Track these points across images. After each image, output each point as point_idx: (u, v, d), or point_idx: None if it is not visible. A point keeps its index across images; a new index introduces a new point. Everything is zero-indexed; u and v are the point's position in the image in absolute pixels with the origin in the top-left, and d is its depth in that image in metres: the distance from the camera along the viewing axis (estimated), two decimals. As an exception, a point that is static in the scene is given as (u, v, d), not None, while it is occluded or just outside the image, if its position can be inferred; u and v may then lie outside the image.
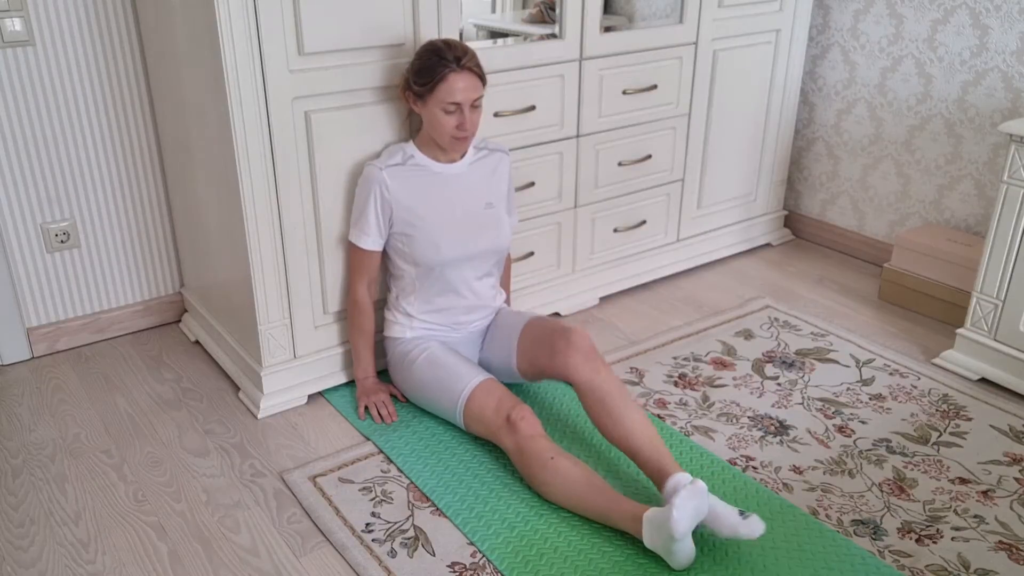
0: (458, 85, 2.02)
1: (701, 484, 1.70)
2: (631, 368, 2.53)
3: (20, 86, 2.36)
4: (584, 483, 1.87)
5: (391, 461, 2.10)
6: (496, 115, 2.44)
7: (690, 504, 1.68)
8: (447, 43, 2.06)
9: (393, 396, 2.34)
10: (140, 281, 2.73)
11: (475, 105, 2.08)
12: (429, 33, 2.21)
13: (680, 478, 1.82)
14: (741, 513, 1.75)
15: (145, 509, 1.96)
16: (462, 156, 2.22)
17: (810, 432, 2.24)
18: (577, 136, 2.67)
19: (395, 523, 1.90)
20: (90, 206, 2.57)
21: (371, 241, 2.18)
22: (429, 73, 2.03)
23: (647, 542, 1.76)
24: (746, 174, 3.22)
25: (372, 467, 2.09)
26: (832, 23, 3.19)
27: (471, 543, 1.84)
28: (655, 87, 2.78)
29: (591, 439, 2.19)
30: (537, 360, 2.14)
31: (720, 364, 2.56)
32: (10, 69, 2.34)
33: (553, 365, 2.07)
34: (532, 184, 2.60)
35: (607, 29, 2.62)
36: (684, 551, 1.73)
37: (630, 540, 1.83)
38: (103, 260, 2.64)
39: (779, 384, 2.46)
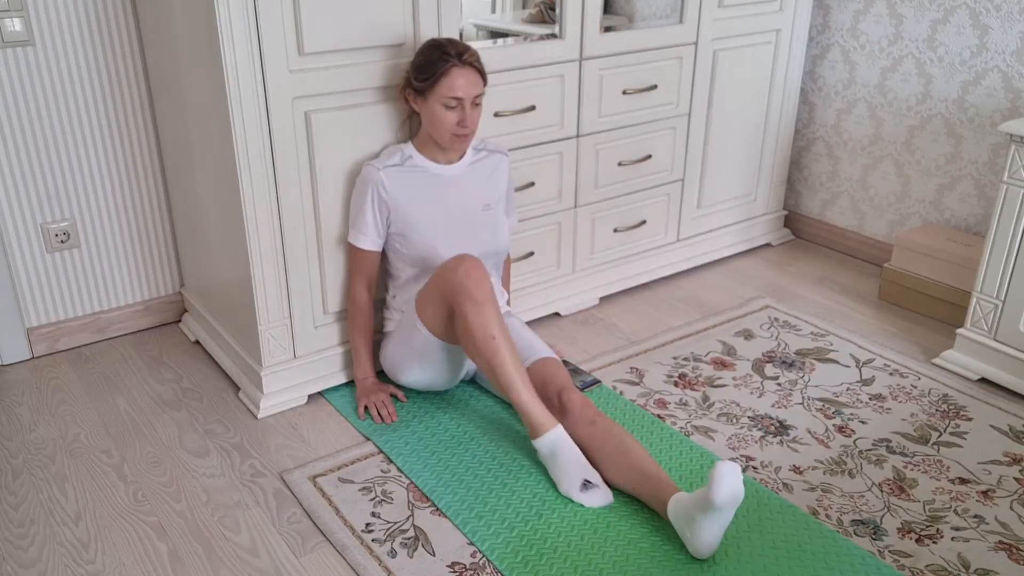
0: (459, 80, 2.03)
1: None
2: (631, 368, 2.53)
3: (20, 86, 2.36)
4: (512, 363, 1.97)
5: (391, 461, 2.10)
6: (496, 115, 2.44)
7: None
8: (449, 40, 2.07)
9: (393, 396, 2.34)
10: (140, 281, 2.73)
11: (476, 102, 2.08)
12: (429, 33, 2.21)
13: (678, 498, 1.81)
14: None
15: (145, 509, 1.96)
16: (461, 157, 2.22)
17: (810, 432, 2.24)
18: (577, 136, 2.67)
19: (395, 523, 1.90)
20: (90, 206, 2.57)
21: (369, 241, 2.18)
22: (431, 68, 2.04)
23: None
24: (746, 174, 3.22)
25: (372, 467, 2.09)
26: (832, 23, 3.19)
27: (471, 543, 1.84)
28: (655, 87, 2.78)
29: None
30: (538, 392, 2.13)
31: (720, 364, 2.56)
32: (10, 69, 2.34)
33: (549, 403, 2.09)
34: (532, 184, 2.60)
35: (607, 29, 2.62)
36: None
37: (630, 540, 1.83)
38: (103, 260, 2.64)
39: (779, 384, 2.46)
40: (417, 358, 2.19)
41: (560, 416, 2.05)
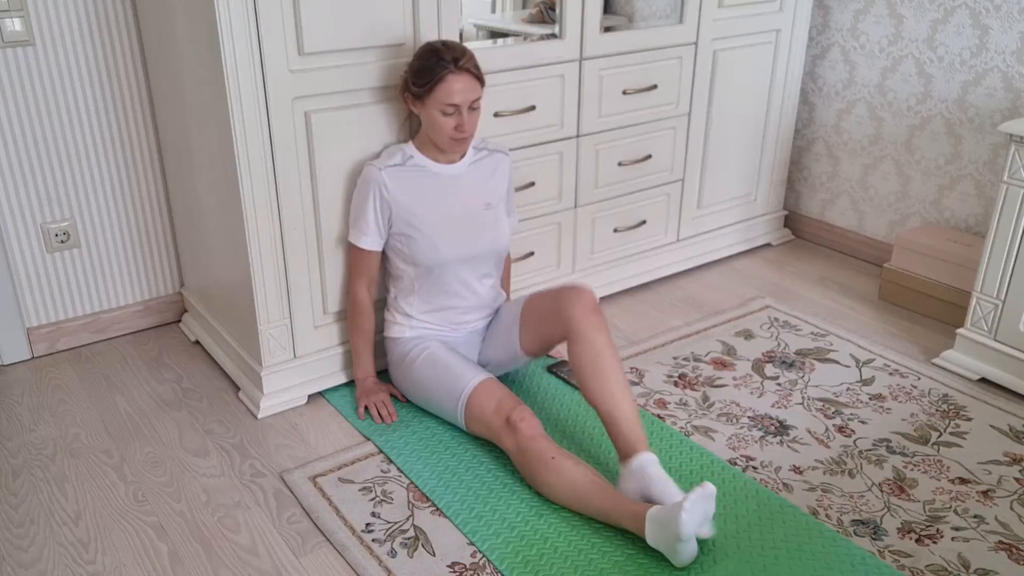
0: (456, 86, 2.02)
1: (711, 487, 1.70)
2: (631, 368, 2.53)
3: (20, 86, 2.36)
4: (586, 482, 1.87)
5: (391, 461, 2.10)
6: (496, 115, 2.44)
7: (700, 506, 1.69)
8: (445, 44, 2.06)
9: (393, 396, 2.34)
10: (140, 281, 2.73)
11: (473, 106, 2.08)
12: (429, 33, 2.21)
13: (646, 458, 1.89)
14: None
15: (145, 509, 1.96)
16: (461, 157, 2.22)
17: (810, 432, 2.24)
18: (577, 136, 2.67)
19: (395, 523, 1.90)
20: (90, 206, 2.57)
21: (370, 241, 2.18)
22: (427, 74, 2.03)
23: (649, 540, 1.76)
24: (746, 174, 3.22)
25: (372, 467, 2.09)
26: (832, 23, 3.19)
27: (471, 543, 1.84)
28: (655, 87, 2.78)
29: (592, 440, 2.19)
30: (542, 321, 2.15)
31: (720, 364, 2.56)
32: (10, 69, 2.34)
33: (558, 316, 2.08)
34: (532, 184, 2.60)
35: (607, 29, 2.62)
36: (688, 550, 1.74)
37: (631, 540, 1.83)
38: (103, 260, 2.64)
39: (779, 384, 2.46)
40: (437, 411, 2.23)
41: (575, 300, 2.06)
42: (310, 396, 2.37)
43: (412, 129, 2.27)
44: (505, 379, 2.44)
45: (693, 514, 1.68)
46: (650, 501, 1.85)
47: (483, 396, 2.06)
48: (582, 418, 2.28)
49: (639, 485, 1.88)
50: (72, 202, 2.54)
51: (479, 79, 2.08)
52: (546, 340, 2.18)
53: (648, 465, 1.89)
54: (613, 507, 1.84)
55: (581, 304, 2.05)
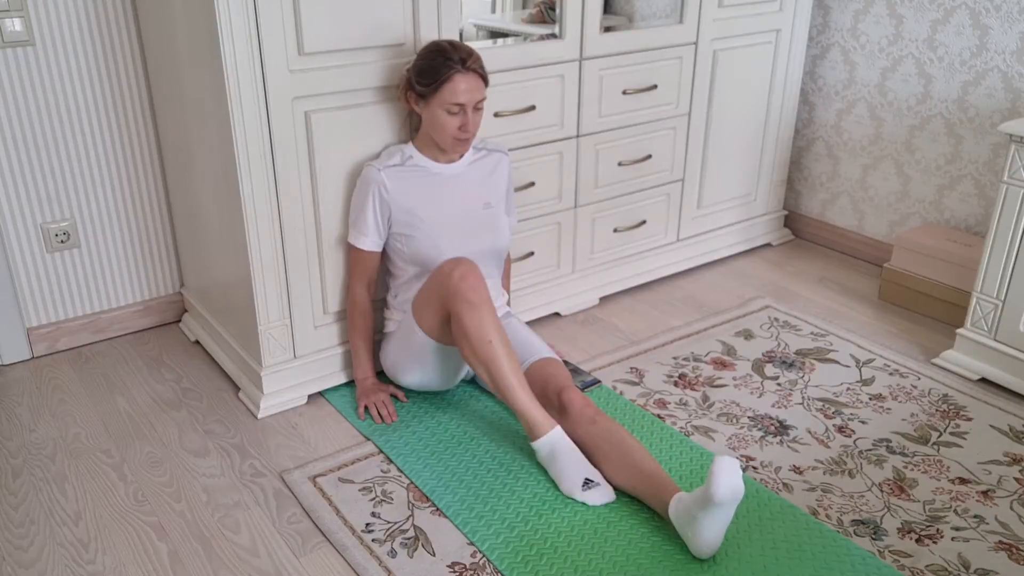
0: (462, 86, 2.02)
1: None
2: (631, 368, 2.53)
3: (20, 86, 2.36)
4: (509, 366, 1.97)
5: (391, 461, 2.10)
6: (496, 115, 2.44)
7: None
8: (452, 44, 2.06)
9: (393, 396, 2.34)
10: (140, 281, 2.73)
11: (478, 107, 2.08)
12: (429, 33, 2.21)
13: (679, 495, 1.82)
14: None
15: (145, 509, 1.96)
16: (461, 156, 2.22)
17: (810, 432, 2.24)
18: (577, 136, 2.67)
19: (395, 523, 1.90)
20: (90, 206, 2.57)
21: (370, 242, 2.18)
22: (433, 73, 2.03)
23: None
24: (746, 174, 3.22)
25: (372, 467, 2.09)
26: (832, 23, 3.19)
27: (471, 543, 1.84)
28: (655, 87, 2.78)
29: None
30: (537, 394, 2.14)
31: (720, 364, 2.56)
32: (10, 69, 2.34)
33: (553, 405, 2.09)
34: (532, 184, 2.60)
35: (607, 29, 2.62)
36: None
37: (631, 540, 1.83)
38: (103, 260, 2.64)
39: (779, 384, 2.46)
40: (415, 360, 2.20)
41: (560, 416, 2.05)
42: (310, 396, 2.37)
43: (412, 129, 2.27)
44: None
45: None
46: (697, 533, 1.75)
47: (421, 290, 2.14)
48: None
49: (684, 525, 1.80)
50: (72, 202, 2.54)
51: (484, 80, 2.08)
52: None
53: (684, 498, 1.81)
54: (523, 403, 1.98)
55: (572, 410, 2.03)
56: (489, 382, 2.01)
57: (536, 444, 1.99)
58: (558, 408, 2.06)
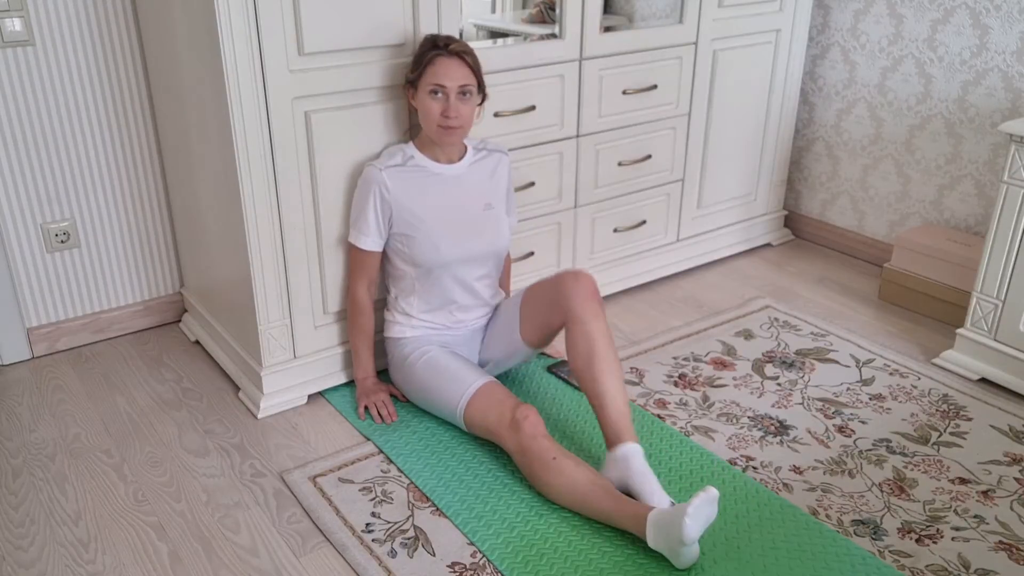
0: (442, 69, 2.05)
1: (714, 491, 1.70)
2: (631, 368, 2.53)
3: (20, 86, 2.36)
4: (587, 483, 1.87)
5: (391, 461, 2.10)
6: (496, 115, 2.44)
7: (703, 511, 1.69)
8: (444, 35, 2.10)
9: (393, 396, 2.34)
10: (140, 281, 2.73)
11: (463, 91, 2.07)
12: (429, 33, 2.20)
13: (631, 448, 1.92)
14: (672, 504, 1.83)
15: (145, 509, 1.96)
16: (461, 157, 2.23)
17: (810, 432, 2.24)
18: (577, 136, 2.67)
19: (395, 523, 1.90)
20: (90, 206, 2.57)
21: (370, 242, 2.18)
22: (420, 59, 2.08)
23: (651, 543, 1.76)
24: (746, 174, 3.22)
25: (372, 467, 2.09)
26: (832, 23, 3.19)
27: (471, 543, 1.84)
28: (655, 87, 2.78)
29: (592, 441, 2.19)
30: (541, 308, 2.15)
31: (720, 364, 2.56)
32: (10, 69, 2.34)
33: (557, 301, 2.09)
34: (532, 184, 2.60)
35: (607, 29, 2.62)
36: (691, 552, 1.74)
37: (631, 540, 1.83)
38: (103, 260, 2.64)
39: (779, 384, 2.46)
40: (437, 412, 2.22)
41: (575, 286, 2.07)
42: (310, 396, 2.37)
43: (413, 129, 2.27)
44: (505, 379, 2.44)
45: (696, 519, 1.68)
46: (628, 492, 1.89)
47: (484, 398, 2.06)
48: (582, 418, 2.28)
49: (621, 474, 1.91)
50: (72, 202, 2.54)
51: (471, 68, 2.08)
52: (546, 327, 2.18)
53: (632, 456, 1.92)
54: (614, 509, 1.84)
55: (580, 290, 2.07)
56: (574, 506, 1.92)
57: (649, 540, 1.78)
58: (571, 284, 2.08)
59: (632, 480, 1.89)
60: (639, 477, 1.89)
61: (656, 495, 1.86)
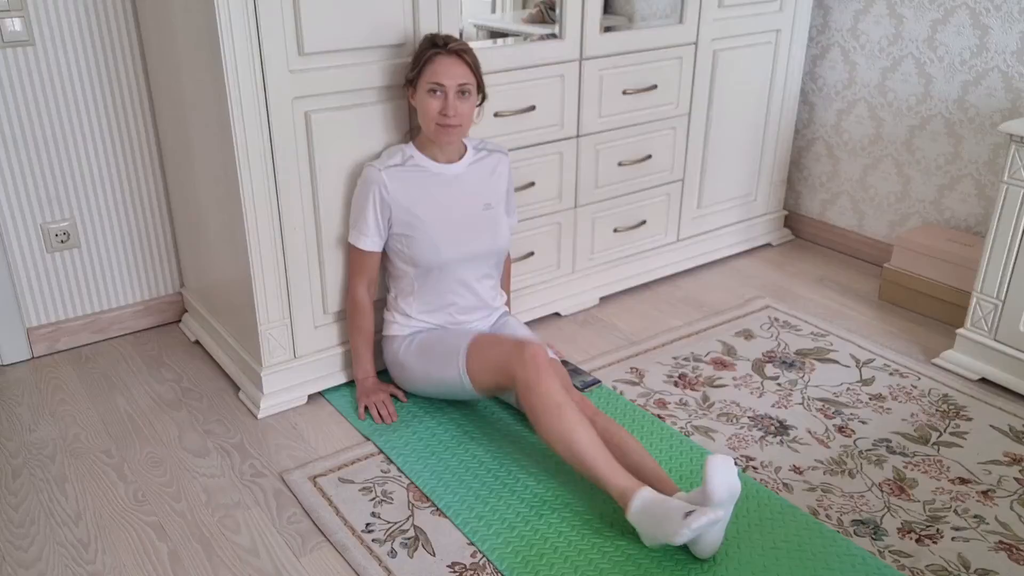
0: (440, 67, 2.05)
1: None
2: (631, 368, 2.53)
3: (20, 86, 2.36)
4: (587, 439, 1.86)
5: (391, 461, 2.10)
6: (496, 115, 2.44)
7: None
8: (443, 34, 2.10)
9: (393, 396, 2.34)
10: (140, 281, 2.73)
11: (462, 90, 2.07)
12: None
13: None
14: (688, 513, 1.69)
15: (145, 509, 1.96)
16: (461, 157, 2.23)
17: (810, 432, 2.24)
18: (577, 136, 2.67)
19: (395, 523, 1.90)
20: (90, 206, 2.57)
21: (370, 242, 2.18)
22: (418, 58, 2.08)
23: (631, 517, 1.75)
24: (746, 174, 3.22)
25: (372, 467, 2.09)
26: (832, 23, 3.19)
27: (471, 543, 1.84)
28: (655, 87, 2.78)
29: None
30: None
31: (720, 364, 2.56)
32: (10, 69, 2.34)
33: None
34: (532, 184, 2.60)
35: (607, 29, 2.62)
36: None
37: (631, 540, 1.83)
38: (103, 260, 2.64)
39: (779, 384, 2.46)
40: (438, 386, 2.21)
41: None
42: (310, 396, 2.37)
43: (413, 129, 2.27)
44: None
45: (695, 533, 1.66)
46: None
47: (481, 347, 2.08)
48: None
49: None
50: (72, 202, 2.54)
51: (470, 67, 2.08)
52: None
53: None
54: (606, 474, 1.82)
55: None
56: (566, 455, 1.91)
57: (630, 516, 1.80)
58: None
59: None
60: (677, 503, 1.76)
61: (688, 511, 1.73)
